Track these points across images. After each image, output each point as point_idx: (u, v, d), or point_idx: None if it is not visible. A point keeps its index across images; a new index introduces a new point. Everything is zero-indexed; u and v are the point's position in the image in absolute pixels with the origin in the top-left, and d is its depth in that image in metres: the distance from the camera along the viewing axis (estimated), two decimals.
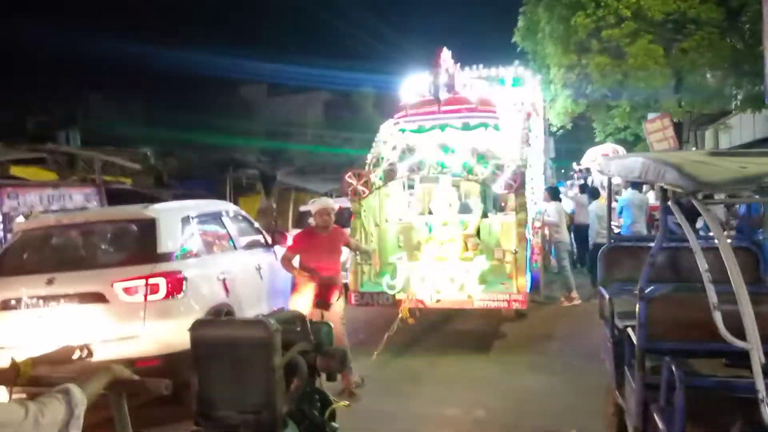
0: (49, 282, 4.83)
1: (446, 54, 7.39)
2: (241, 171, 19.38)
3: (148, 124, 20.26)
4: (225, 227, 6.41)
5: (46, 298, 4.81)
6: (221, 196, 15.31)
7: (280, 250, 7.48)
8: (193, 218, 5.81)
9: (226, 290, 5.60)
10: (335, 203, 6.22)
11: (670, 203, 2.76)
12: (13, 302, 4.87)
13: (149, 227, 5.23)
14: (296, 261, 5.70)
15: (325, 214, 5.63)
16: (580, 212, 11.08)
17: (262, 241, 7.11)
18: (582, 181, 16.45)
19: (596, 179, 16.54)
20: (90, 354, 2.05)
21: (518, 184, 6.70)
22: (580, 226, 10.77)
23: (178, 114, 20.48)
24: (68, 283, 4.86)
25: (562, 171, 29.10)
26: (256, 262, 6.53)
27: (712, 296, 2.28)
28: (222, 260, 5.95)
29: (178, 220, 5.56)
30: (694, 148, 16.78)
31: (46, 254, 5.36)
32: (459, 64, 7.64)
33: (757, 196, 2.35)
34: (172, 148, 19.41)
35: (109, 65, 20.69)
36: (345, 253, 9.70)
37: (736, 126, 18.28)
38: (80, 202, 9.55)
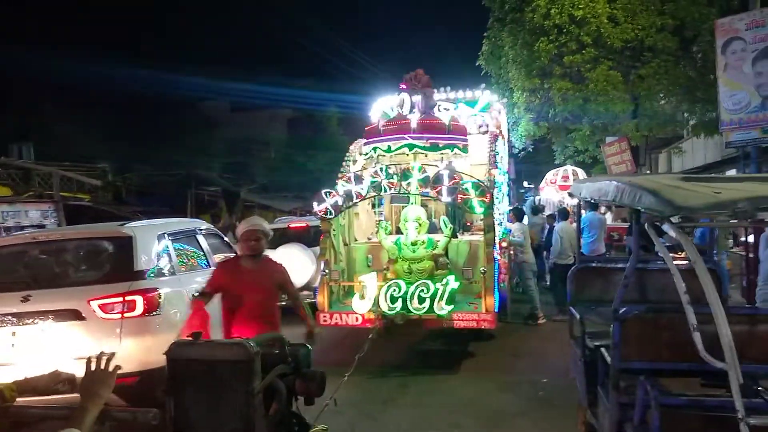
0: (25, 299, 4.85)
1: (420, 75, 7.48)
2: (203, 188, 19.09)
3: (106, 139, 19.80)
4: (199, 245, 6.52)
5: (22, 316, 4.83)
6: (182, 213, 15.05)
7: None
8: (168, 236, 5.87)
9: None
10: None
11: (646, 226, 2.84)
12: None
13: (126, 245, 5.28)
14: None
15: (254, 238, 4.15)
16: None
17: None
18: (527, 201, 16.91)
19: (549, 198, 16.96)
20: (74, 387, 1.96)
21: (488, 204, 6.80)
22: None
23: (138, 129, 20.10)
24: (44, 301, 4.88)
25: (520, 191, 29.76)
26: None
27: (691, 317, 2.34)
28: (197, 277, 5.97)
29: (154, 238, 5.60)
30: (648, 171, 17.37)
31: (22, 271, 5.34)
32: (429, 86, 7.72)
33: (732, 221, 2.43)
34: (131, 164, 19.01)
35: (66, 79, 20.22)
36: (311, 271, 9.67)
37: (689, 150, 19.04)
38: (37, 218, 9.25)
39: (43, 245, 5.50)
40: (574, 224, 10.44)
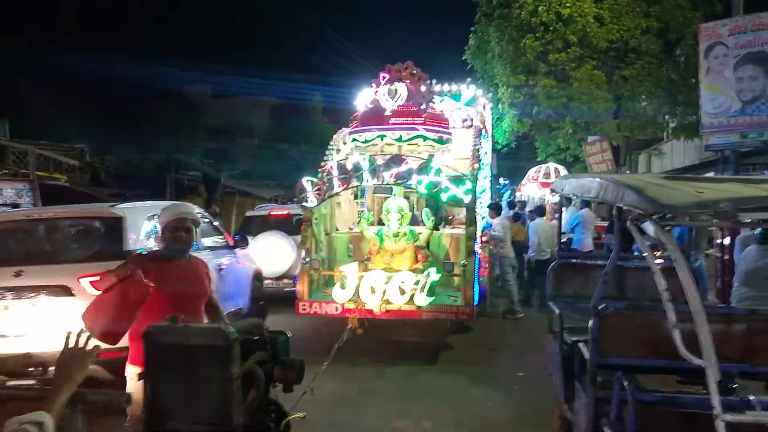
0: (17, 274, 5.02)
1: (409, 66, 7.46)
2: (183, 172, 18.86)
3: (85, 120, 19.45)
4: None
5: (14, 290, 5.00)
6: (161, 197, 14.86)
7: (241, 252, 7.49)
8: (157, 218, 5.90)
9: None
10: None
11: (629, 224, 2.86)
12: None
13: (116, 225, 5.46)
14: None
15: (184, 227, 3.32)
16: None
17: (224, 242, 7.50)
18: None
19: (530, 195, 17.12)
20: (46, 371, 1.92)
21: (470, 198, 6.82)
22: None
23: (118, 112, 19.76)
24: (36, 277, 5.05)
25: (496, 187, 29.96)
26: (217, 263, 6.82)
27: (671, 315, 2.36)
28: None
29: (143, 219, 5.77)
30: (628, 172, 17.58)
31: (15, 248, 5.59)
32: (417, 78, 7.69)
33: (713, 220, 2.46)
34: (110, 145, 18.69)
35: (45, 59, 19.80)
36: (291, 259, 9.60)
37: (668, 152, 19.32)
38: (11, 197, 9.07)
39: (35, 223, 5.70)
40: (554, 221, 10.61)
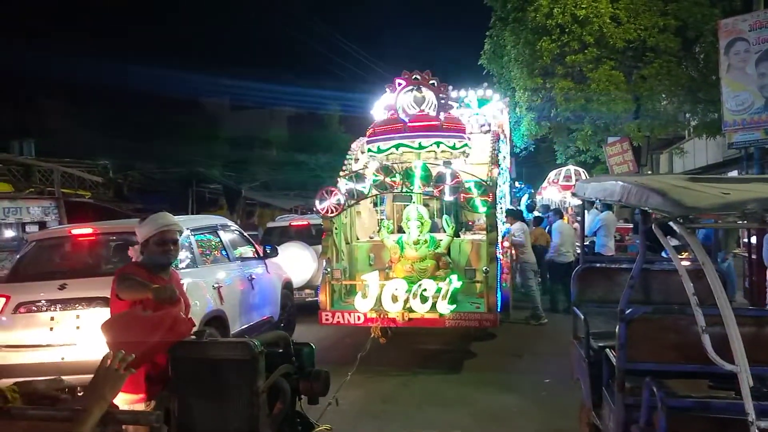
0: (61, 287, 5.35)
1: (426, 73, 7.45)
2: (204, 185, 19.08)
3: (107, 136, 19.79)
4: (220, 240, 7.04)
5: (59, 302, 5.32)
6: (184, 211, 15.04)
7: (271, 262, 7.67)
8: (192, 231, 6.35)
9: (221, 298, 6.22)
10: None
11: (654, 227, 2.82)
12: (29, 305, 5.37)
13: None
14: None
15: (172, 240, 3.21)
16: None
17: (254, 253, 7.79)
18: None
19: (551, 198, 16.99)
20: (75, 396, 1.94)
21: (491, 203, 6.78)
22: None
23: (139, 127, 20.06)
24: (79, 289, 5.35)
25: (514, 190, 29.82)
26: (249, 273, 7.19)
27: (700, 319, 2.32)
28: (217, 270, 6.56)
29: None
30: (650, 172, 17.36)
31: (58, 262, 6.01)
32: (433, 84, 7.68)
33: (740, 222, 2.42)
34: (132, 161, 18.97)
35: (67, 76, 20.19)
36: (312, 269, 9.63)
37: (690, 151, 19.02)
38: (38, 215, 9.27)
39: (77, 238, 6.05)
40: (576, 224, 10.53)
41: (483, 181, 7.00)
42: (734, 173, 13.47)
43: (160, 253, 3.18)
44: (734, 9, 11.97)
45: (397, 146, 7.18)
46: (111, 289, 3.10)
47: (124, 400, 2.83)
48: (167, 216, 3.31)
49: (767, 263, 5.54)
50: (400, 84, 7.42)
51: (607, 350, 3.57)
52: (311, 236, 10.31)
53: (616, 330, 3.14)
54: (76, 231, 6.21)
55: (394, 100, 7.43)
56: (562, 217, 10.64)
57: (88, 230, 6.18)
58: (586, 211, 9.31)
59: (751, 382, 2.09)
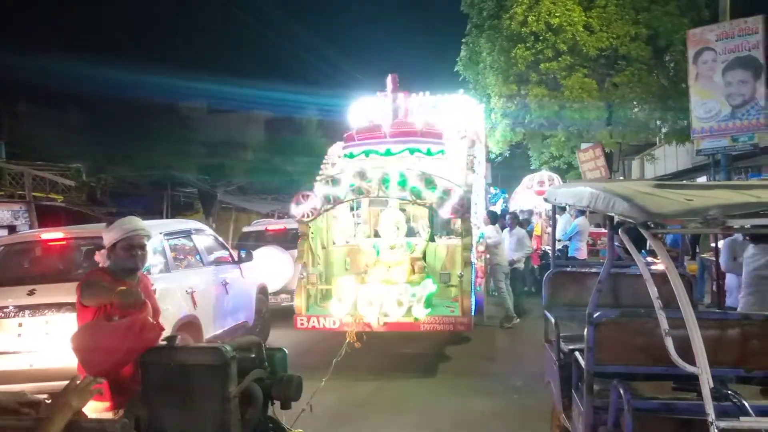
0: (30, 293, 5.24)
1: (394, 80, 7.51)
2: (179, 189, 18.86)
3: (80, 139, 19.45)
4: (194, 244, 6.95)
5: (28, 308, 5.21)
6: (158, 214, 14.86)
7: (246, 267, 7.62)
8: (165, 236, 6.27)
9: (194, 303, 6.13)
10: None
11: (620, 232, 2.89)
12: None
13: None
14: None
15: (139, 245, 3.12)
16: None
17: (229, 257, 7.69)
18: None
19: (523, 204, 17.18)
20: (38, 412, 1.90)
21: (464, 209, 6.84)
22: None
23: (113, 130, 19.77)
24: (48, 294, 5.24)
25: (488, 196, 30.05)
26: (223, 278, 7.10)
27: (663, 322, 2.39)
28: (191, 275, 6.47)
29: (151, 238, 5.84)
30: (622, 178, 17.67)
31: (27, 267, 5.94)
32: (406, 91, 7.76)
33: (703, 228, 2.49)
34: (106, 164, 18.67)
35: (39, 78, 19.78)
36: (289, 273, 9.59)
37: (661, 157, 19.42)
38: (8, 219, 9.10)
39: (46, 243, 5.99)
40: (549, 228, 10.67)
41: (458, 186, 7.06)
42: (703, 179, 13.79)
43: (127, 257, 3.09)
44: (703, 19, 12.31)
45: (366, 153, 7.22)
46: (76, 297, 3.03)
47: (91, 409, 2.71)
48: (135, 220, 3.21)
49: (724, 267, 5.71)
50: (380, 93, 7.52)
51: (576, 353, 3.64)
52: (288, 241, 10.26)
53: (585, 333, 3.20)
54: (46, 236, 6.11)
55: (374, 107, 7.49)
56: (520, 225, 10.78)
57: (59, 235, 6.07)
58: (558, 216, 9.44)
59: (712, 383, 2.15)
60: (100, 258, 3.31)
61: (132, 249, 3.09)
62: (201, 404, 2.70)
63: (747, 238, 5.37)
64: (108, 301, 2.87)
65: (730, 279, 5.25)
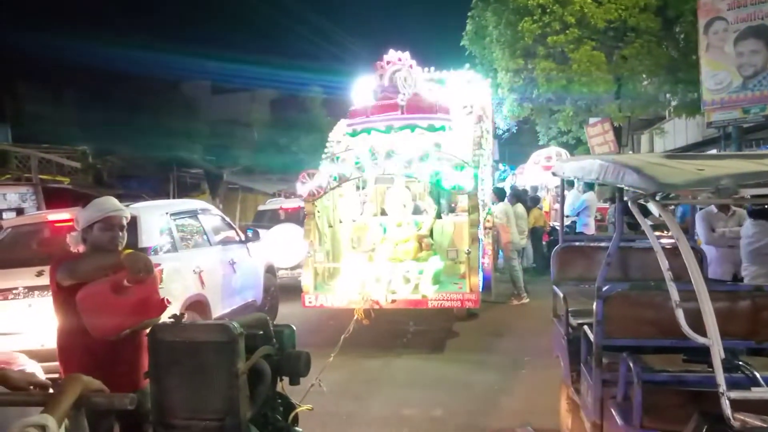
0: (39, 274, 5.22)
1: (402, 55, 7.37)
2: (185, 170, 18.86)
3: (85, 121, 19.42)
4: (201, 224, 7.01)
5: (36, 288, 5.27)
6: (165, 196, 14.89)
7: (253, 246, 7.65)
8: (171, 216, 6.37)
9: (202, 283, 6.21)
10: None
11: (630, 204, 2.85)
12: (6, 292, 5.37)
13: (131, 224, 5.60)
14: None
15: (119, 225, 2.95)
16: None
17: (236, 237, 7.76)
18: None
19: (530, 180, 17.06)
20: (46, 391, 1.90)
21: (472, 186, 6.79)
22: None
23: (119, 111, 19.73)
24: None
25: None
26: (230, 257, 7.15)
27: (674, 294, 2.35)
28: (198, 255, 6.55)
29: (157, 217, 6.08)
30: (631, 152, 17.49)
31: (35, 248, 5.97)
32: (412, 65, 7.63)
33: (714, 198, 2.44)
34: (111, 146, 18.65)
35: (44, 59, 19.72)
36: (303, 250, 9.60)
37: (671, 131, 19.18)
38: (15, 201, 9.13)
39: (54, 225, 5.98)
40: (557, 204, 10.59)
41: (465, 162, 7.00)
42: (713, 152, 13.63)
43: (106, 239, 2.89)
44: None
45: (368, 131, 7.14)
46: (51, 280, 2.85)
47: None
48: (113, 200, 3.03)
49: (704, 240, 5.67)
50: (381, 66, 7.32)
51: (585, 327, 3.62)
52: (301, 219, 10.44)
53: (593, 307, 3.18)
54: (53, 217, 6.15)
55: (382, 81, 7.31)
56: (521, 201, 10.64)
57: (66, 216, 6.07)
58: (566, 191, 9.40)
59: (723, 354, 2.13)
60: (72, 241, 3.03)
61: (112, 229, 2.90)
62: (209, 381, 2.71)
63: (719, 210, 5.35)
64: (113, 269, 2.73)
65: (708, 251, 5.17)
